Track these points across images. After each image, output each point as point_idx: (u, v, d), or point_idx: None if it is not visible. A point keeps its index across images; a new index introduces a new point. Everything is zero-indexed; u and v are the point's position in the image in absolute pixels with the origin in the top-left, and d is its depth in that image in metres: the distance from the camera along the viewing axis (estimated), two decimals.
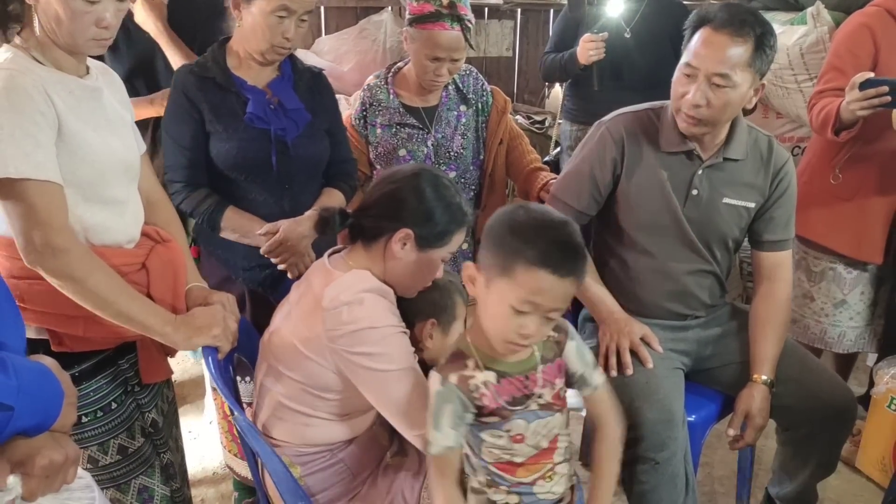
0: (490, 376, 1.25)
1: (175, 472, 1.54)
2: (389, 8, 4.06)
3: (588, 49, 2.68)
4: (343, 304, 1.32)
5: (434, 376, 1.26)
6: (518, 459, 1.28)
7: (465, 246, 2.20)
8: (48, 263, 1.23)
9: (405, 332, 1.38)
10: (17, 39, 1.27)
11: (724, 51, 1.61)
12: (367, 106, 2.10)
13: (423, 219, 1.38)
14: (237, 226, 1.72)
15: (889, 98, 1.84)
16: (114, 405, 1.39)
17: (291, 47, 1.72)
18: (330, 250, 1.50)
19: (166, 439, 1.51)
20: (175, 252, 1.48)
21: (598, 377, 1.37)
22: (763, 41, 1.63)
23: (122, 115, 1.45)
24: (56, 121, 1.24)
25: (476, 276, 1.24)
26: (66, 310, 1.27)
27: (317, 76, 1.88)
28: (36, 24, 1.25)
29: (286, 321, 1.44)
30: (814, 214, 2.22)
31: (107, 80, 1.44)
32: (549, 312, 1.19)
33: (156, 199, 1.56)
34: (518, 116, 4.09)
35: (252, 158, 1.72)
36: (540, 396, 1.28)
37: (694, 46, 1.67)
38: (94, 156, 1.31)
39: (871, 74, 1.90)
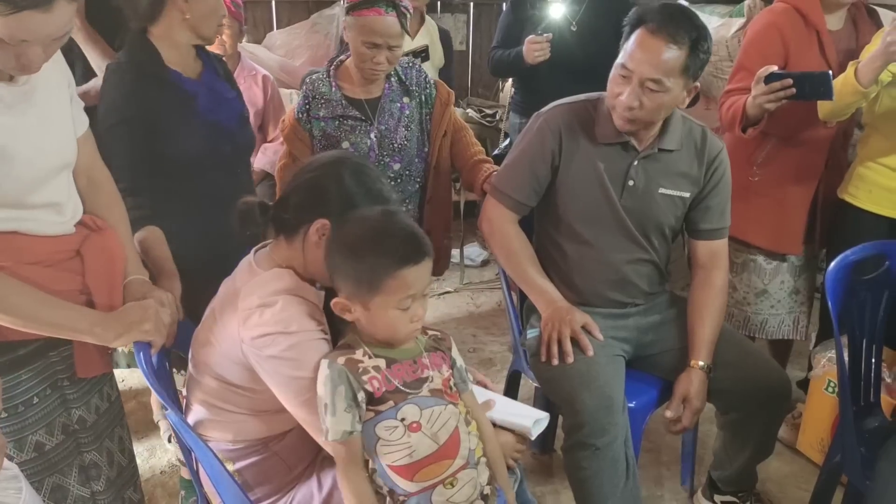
0: (380, 362, 1.27)
1: (100, 473, 1.47)
2: (342, 1, 4.03)
3: (533, 50, 2.68)
4: (255, 307, 1.29)
5: (321, 363, 1.25)
6: (416, 457, 1.24)
7: None
8: None
9: (324, 338, 1.33)
10: None
11: (658, 55, 1.64)
12: (310, 99, 2.09)
13: (343, 207, 1.34)
14: (141, 250, 1.62)
15: (794, 90, 1.89)
16: (35, 400, 1.33)
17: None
18: (257, 246, 1.47)
19: (94, 439, 1.45)
20: (110, 239, 1.42)
21: (469, 378, 1.41)
22: (697, 46, 1.65)
23: (58, 104, 1.35)
24: None
25: (349, 305, 1.27)
26: None
27: (223, 62, 1.92)
28: None
29: (210, 319, 1.41)
30: (733, 210, 2.24)
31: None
32: (424, 291, 1.27)
33: (97, 178, 1.48)
34: (469, 110, 4.10)
35: (212, 150, 1.74)
36: (430, 380, 1.29)
37: (630, 48, 1.68)
38: (21, 170, 1.23)
39: (775, 68, 1.94)
